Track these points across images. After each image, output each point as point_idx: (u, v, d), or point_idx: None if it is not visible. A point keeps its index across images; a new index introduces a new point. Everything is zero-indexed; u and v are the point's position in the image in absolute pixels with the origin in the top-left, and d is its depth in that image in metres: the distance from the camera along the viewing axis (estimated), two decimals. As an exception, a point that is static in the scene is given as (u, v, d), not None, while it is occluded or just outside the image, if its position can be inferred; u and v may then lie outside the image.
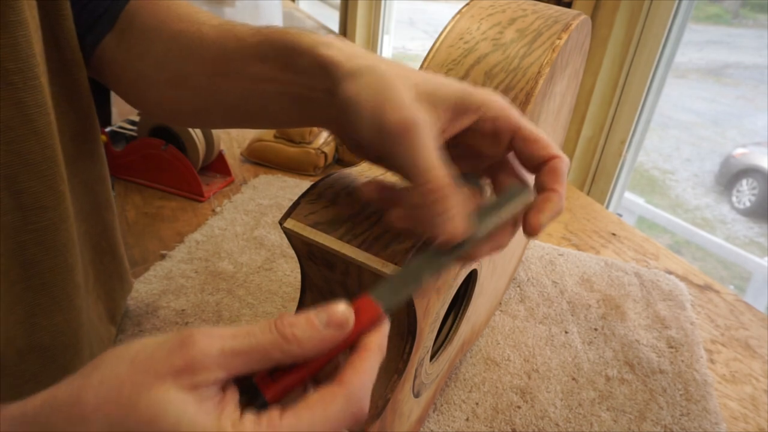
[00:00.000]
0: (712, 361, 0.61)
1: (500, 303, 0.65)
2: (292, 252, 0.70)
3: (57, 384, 0.23)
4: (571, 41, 0.43)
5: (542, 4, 0.45)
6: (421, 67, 0.41)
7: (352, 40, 2.24)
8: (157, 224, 0.74)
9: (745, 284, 2.41)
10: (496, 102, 0.30)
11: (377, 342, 0.25)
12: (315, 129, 0.91)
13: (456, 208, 0.27)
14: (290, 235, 0.33)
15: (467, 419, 0.50)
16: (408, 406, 0.40)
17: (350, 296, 0.27)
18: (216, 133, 0.83)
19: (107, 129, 0.86)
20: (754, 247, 2.87)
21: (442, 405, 0.51)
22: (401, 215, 0.30)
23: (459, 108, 0.30)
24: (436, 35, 0.43)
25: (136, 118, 0.87)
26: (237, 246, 0.70)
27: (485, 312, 0.57)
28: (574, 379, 0.55)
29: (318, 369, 0.25)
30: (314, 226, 0.32)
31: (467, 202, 0.28)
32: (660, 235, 2.62)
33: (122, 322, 0.56)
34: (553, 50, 0.40)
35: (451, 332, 0.47)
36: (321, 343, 0.24)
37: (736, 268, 2.54)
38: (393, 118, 0.27)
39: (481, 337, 0.59)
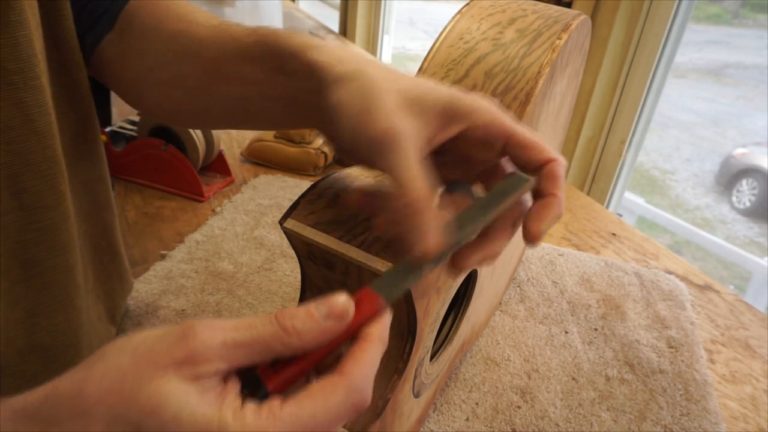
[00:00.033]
0: (712, 361, 0.61)
1: (500, 303, 0.65)
2: (292, 252, 0.70)
3: (59, 377, 0.24)
4: (571, 41, 0.43)
5: (542, 4, 0.45)
6: (421, 67, 0.41)
7: (352, 40, 2.24)
8: (157, 224, 0.74)
9: (745, 284, 2.41)
10: (487, 108, 0.30)
11: (378, 332, 0.25)
12: (315, 129, 0.91)
13: (430, 224, 0.27)
14: (290, 235, 0.33)
15: (467, 419, 0.50)
16: (408, 406, 0.40)
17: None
18: (216, 133, 0.83)
19: (107, 129, 0.86)
20: (754, 247, 2.87)
21: (442, 405, 0.51)
22: (384, 222, 0.29)
23: (447, 115, 0.29)
24: (436, 35, 0.43)
25: (136, 118, 0.87)
26: (237, 246, 0.70)
27: (485, 312, 0.57)
28: (574, 379, 0.55)
29: (319, 360, 0.25)
30: (314, 226, 0.32)
31: (444, 217, 0.28)
32: (660, 235, 2.62)
33: (122, 322, 0.56)
34: (553, 50, 0.40)
35: (451, 332, 0.47)
36: (321, 334, 0.24)
37: (736, 268, 2.54)
38: (375, 128, 0.27)
39: (481, 337, 0.59)
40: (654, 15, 1.20)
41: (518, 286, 0.68)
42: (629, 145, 1.33)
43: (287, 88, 0.35)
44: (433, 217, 0.27)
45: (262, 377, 0.24)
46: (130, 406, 0.22)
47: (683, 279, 0.74)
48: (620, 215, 0.95)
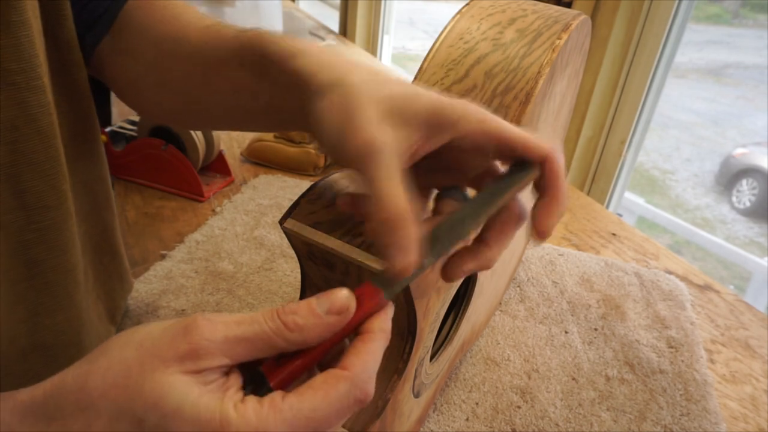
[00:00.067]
0: (712, 361, 0.61)
1: (500, 303, 0.65)
2: (292, 252, 0.70)
3: (65, 370, 0.24)
4: (571, 41, 0.43)
5: (542, 4, 0.45)
6: (421, 67, 0.41)
7: (352, 40, 2.24)
8: (157, 224, 0.74)
9: (745, 284, 2.41)
10: (473, 115, 0.28)
11: (380, 326, 0.25)
12: (315, 129, 0.91)
13: (403, 242, 0.26)
14: (290, 235, 0.33)
15: (467, 419, 0.50)
16: (408, 406, 0.40)
17: None
18: (216, 133, 0.83)
19: (107, 129, 0.86)
20: (754, 247, 2.87)
21: (442, 405, 0.51)
22: (370, 230, 0.29)
23: (432, 125, 0.28)
24: (436, 35, 0.43)
25: (136, 118, 0.87)
26: (237, 246, 0.70)
27: (485, 312, 0.57)
28: (574, 379, 0.55)
29: (322, 355, 0.25)
30: (314, 226, 0.32)
31: (420, 233, 0.27)
32: (660, 235, 2.62)
33: (122, 322, 0.56)
34: (553, 50, 0.40)
35: (451, 332, 0.47)
36: (323, 330, 0.24)
37: (736, 268, 2.54)
38: (353, 143, 0.27)
39: (481, 337, 0.60)
40: (654, 15, 1.20)
41: (518, 286, 0.68)
42: (629, 145, 1.33)
43: (273, 96, 0.35)
44: (408, 235, 0.26)
45: (265, 373, 0.24)
46: (133, 400, 0.22)
47: (683, 279, 0.74)
48: (620, 215, 0.95)
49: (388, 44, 2.31)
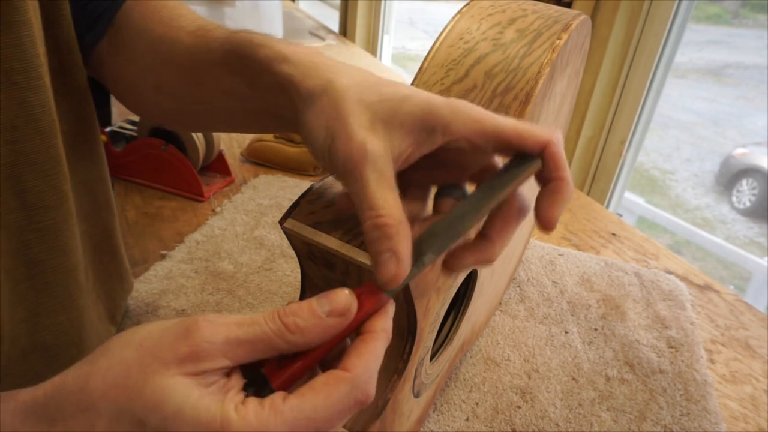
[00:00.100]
0: (712, 361, 0.61)
1: (500, 303, 0.65)
2: (292, 252, 0.70)
3: (66, 370, 0.24)
4: (571, 41, 0.43)
5: (542, 4, 0.45)
6: (421, 67, 0.41)
7: (352, 40, 2.24)
8: (157, 224, 0.74)
9: (745, 284, 2.41)
10: (467, 115, 0.27)
11: (381, 326, 0.25)
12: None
13: (395, 249, 0.25)
14: (290, 235, 0.33)
15: (467, 419, 0.50)
16: (408, 406, 0.40)
17: None
18: (216, 133, 0.83)
19: (107, 129, 0.86)
20: (754, 247, 2.87)
21: (442, 405, 0.51)
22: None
23: (424, 129, 0.27)
24: (436, 35, 0.43)
25: (136, 118, 0.87)
26: (237, 246, 0.70)
27: (485, 312, 0.57)
28: (574, 379, 0.55)
29: (324, 355, 0.25)
30: (314, 226, 0.32)
31: (411, 242, 0.26)
32: (660, 235, 2.62)
33: (122, 322, 0.56)
34: (553, 50, 0.40)
35: (451, 332, 0.47)
36: (324, 331, 0.24)
37: (736, 268, 2.54)
38: (343, 150, 0.26)
39: (481, 337, 0.59)
40: (654, 15, 1.20)
41: (518, 286, 0.68)
42: (629, 145, 1.33)
43: (264, 101, 0.35)
44: (399, 244, 0.25)
45: (267, 374, 0.24)
46: (134, 401, 0.22)
47: (683, 279, 0.74)
48: (620, 215, 0.95)
49: (388, 44, 2.31)
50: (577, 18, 0.43)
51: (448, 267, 0.30)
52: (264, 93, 0.34)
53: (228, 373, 0.24)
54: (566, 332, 0.62)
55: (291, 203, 0.33)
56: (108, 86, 0.45)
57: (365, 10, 2.25)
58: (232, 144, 1.00)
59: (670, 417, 0.52)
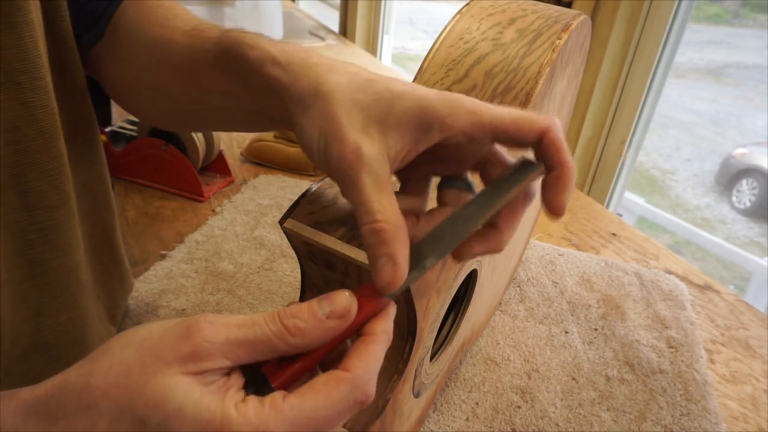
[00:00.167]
0: (712, 361, 0.61)
1: (500, 303, 0.65)
2: (292, 252, 0.70)
3: (67, 369, 0.24)
4: (571, 41, 0.43)
5: (542, 4, 0.45)
6: (421, 67, 0.41)
7: (352, 40, 2.24)
8: (157, 224, 0.74)
9: (745, 284, 2.41)
10: (463, 109, 0.27)
11: (382, 327, 0.25)
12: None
13: (393, 254, 0.25)
14: (290, 235, 0.33)
15: (467, 419, 0.50)
16: (408, 406, 0.40)
17: None
18: (216, 133, 0.83)
19: (107, 129, 0.86)
20: (754, 247, 2.87)
21: (442, 405, 0.51)
22: None
23: (419, 126, 0.27)
24: (436, 35, 0.43)
25: (136, 118, 0.87)
26: (237, 246, 0.70)
27: (485, 312, 0.57)
28: (574, 379, 0.55)
29: (324, 356, 0.25)
30: (314, 226, 0.32)
31: (407, 246, 0.26)
32: (660, 235, 2.62)
33: (122, 322, 0.56)
34: (553, 50, 0.40)
35: (451, 332, 0.47)
36: (324, 333, 0.24)
37: (736, 268, 2.54)
38: (338, 154, 0.26)
39: (481, 337, 0.59)
40: (654, 15, 1.20)
41: (518, 286, 0.68)
42: (629, 145, 1.33)
43: (258, 103, 0.35)
44: (396, 248, 0.25)
45: (267, 374, 0.24)
46: (135, 400, 0.22)
47: (683, 279, 0.74)
48: (620, 215, 0.95)
49: (388, 44, 2.31)
50: (577, 18, 0.43)
51: (457, 256, 0.29)
52: (256, 95, 0.33)
53: (228, 372, 0.24)
54: (566, 332, 0.62)
55: (291, 203, 0.33)
56: (105, 87, 0.45)
57: (365, 10, 2.25)
58: (232, 144, 1.00)
59: (670, 417, 0.52)
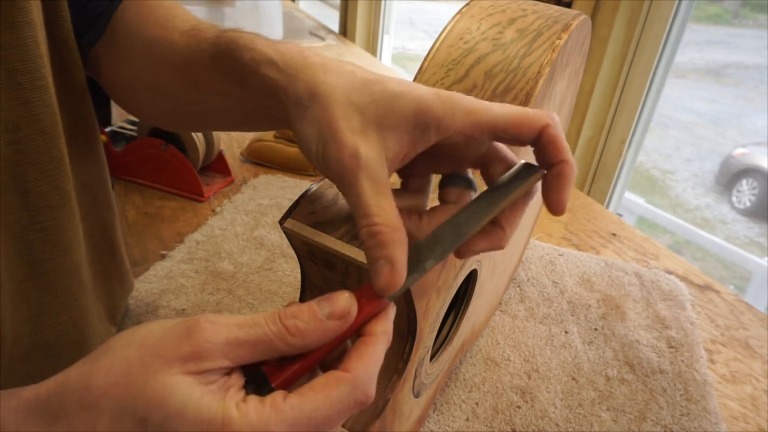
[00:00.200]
0: (712, 361, 0.61)
1: (500, 303, 0.65)
2: (292, 252, 0.70)
3: (68, 368, 0.24)
4: (571, 41, 0.43)
5: (542, 4, 0.45)
6: (421, 67, 0.41)
7: (352, 40, 2.24)
8: (157, 224, 0.74)
9: (745, 284, 2.41)
10: (459, 108, 0.27)
11: (382, 328, 0.25)
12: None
13: (391, 257, 0.25)
14: (290, 235, 0.33)
15: (467, 419, 0.50)
16: (408, 406, 0.40)
17: None
18: (216, 133, 0.83)
19: (107, 129, 0.86)
20: (754, 247, 2.87)
21: (442, 405, 0.51)
22: None
23: (417, 126, 0.27)
24: (436, 35, 0.43)
25: (137, 118, 0.87)
26: (237, 246, 0.70)
27: (485, 312, 0.57)
28: (574, 379, 0.55)
29: (324, 356, 0.25)
30: (314, 226, 0.32)
31: (406, 248, 0.26)
32: (660, 235, 2.62)
33: (122, 322, 0.56)
34: (553, 50, 0.40)
35: (451, 332, 0.47)
36: (324, 333, 0.24)
37: (736, 268, 2.54)
38: (336, 157, 0.26)
39: (481, 337, 0.59)
40: (654, 15, 1.20)
41: (518, 286, 0.68)
42: (629, 145, 1.33)
43: (255, 104, 0.35)
44: (395, 251, 0.25)
45: (267, 373, 0.24)
46: (135, 399, 0.22)
47: (683, 279, 0.74)
48: (620, 215, 0.95)
49: (388, 44, 2.31)
50: (577, 18, 0.43)
51: (460, 253, 0.29)
52: (254, 95, 0.33)
53: (228, 372, 0.24)
54: (566, 332, 0.62)
55: (291, 203, 0.33)
56: (105, 87, 0.45)
57: (365, 10, 2.25)
58: (232, 144, 1.00)
59: (670, 417, 0.52)
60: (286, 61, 0.29)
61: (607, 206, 1.39)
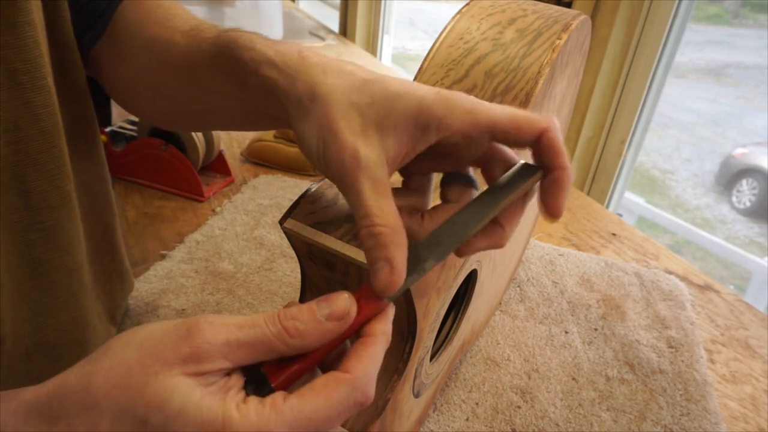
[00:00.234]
0: (712, 361, 0.61)
1: (500, 303, 0.65)
2: (292, 252, 0.70)
3: (67, 370, 0.24)
4: (571, 41, 0.43)
5: (542, 4, 0.45)
6: (421, 67, 0.41)
7: (352, 40, 2.24)
8: (157, 224, 0.74)
9: (745, 284, 2.41)
10: (459, 108, 0.27)
11: (381, 329, 0.26)
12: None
13: (391, 258, 0.25)
14: (290, 235, 0.33)
15: (467, 419, 0.50)
16: (408, 406, 0.40)
17: None
18: (216, 133, 0.83)
19: (107, 129, 0.86)
20: (754, 247, 2.87)
21: (442, 405, 0.51)
22: None
23: (417, 127, 0.27)
24: (436, 35, 0.43)
25: (136, 118, 0.87)
26: (237, 246, 0.70)
27: (485, 312, 0.57)
28: (574, 379, 0.55)
29: (323, 357, 0.25)
30: (314, 226, 0.32)
31: (405, 249, 0.26)
32: (660, 235, 2.62)
33: (122, 322, 0.56)
34: (553, 50, 0.40)
35: (451, 332, 0.47)
36: (323, 334, 0.24)
37: (736, 268, 2.54)
38: (336, 158, 0.26)
39: (481, 337, 0.59)
40: (654, 15, 1.20)
41: (518, 286, 0.68)
42: (629, 145, 1.33)
43: (256, 104, 0.35)
44: (394, 252, 0.25)
45: (267, 374, 0.24)
46: (136, 401, 0.22)
47: (683, 279, 0.74)
48: (620, 215, 0.95)
49: (388, 44, 2.31)
50: (577, 18, 0.43)
51: (460, 252, 0.30)
52: (254, 95, 0.33)
53: (228, 372, 0.24)
54: (566, 332, 0.62)
55: (291, 203, 0.33)
56: (105, 87, 0.45)
57: (365, 10, 2.25)
58: (232, 144, 1.00)
59: (670, 417, 0.52)
60: (285, 61, 0.29)
61: (607, 206, 1.39)
